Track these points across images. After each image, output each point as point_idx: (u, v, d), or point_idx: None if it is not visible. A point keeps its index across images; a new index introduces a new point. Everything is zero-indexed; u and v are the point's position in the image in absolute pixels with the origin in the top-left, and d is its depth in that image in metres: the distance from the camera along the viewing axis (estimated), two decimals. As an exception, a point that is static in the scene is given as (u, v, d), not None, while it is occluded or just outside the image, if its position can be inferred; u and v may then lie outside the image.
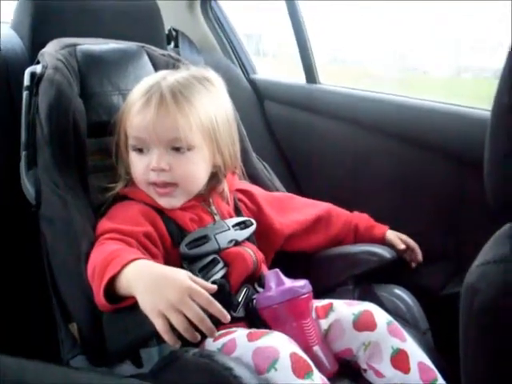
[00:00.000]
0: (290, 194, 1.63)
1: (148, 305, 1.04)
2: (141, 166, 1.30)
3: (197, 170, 1.32)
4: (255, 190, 1.53)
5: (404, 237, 1.54)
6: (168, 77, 1.33)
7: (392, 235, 1.52)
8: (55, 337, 1.33)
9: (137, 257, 1.11)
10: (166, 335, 1.01)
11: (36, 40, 1.58)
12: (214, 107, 1.34)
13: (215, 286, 1.06)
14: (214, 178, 1.38)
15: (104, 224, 1.27)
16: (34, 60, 1.48)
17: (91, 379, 0.44)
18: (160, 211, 1.31)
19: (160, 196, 1.30)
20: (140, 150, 1.30)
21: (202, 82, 1.35)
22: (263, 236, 1.43)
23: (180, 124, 1.26)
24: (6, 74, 1.60)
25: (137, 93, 1.33)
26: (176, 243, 1.28)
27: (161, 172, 1.28)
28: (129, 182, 1.37)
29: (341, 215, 1.56)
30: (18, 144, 1.41)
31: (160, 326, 1.01)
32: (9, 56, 1.61)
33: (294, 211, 1.53)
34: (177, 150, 1.28)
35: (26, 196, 1.38)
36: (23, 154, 1.39)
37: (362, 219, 1.56)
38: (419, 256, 1.53)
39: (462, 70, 3.26)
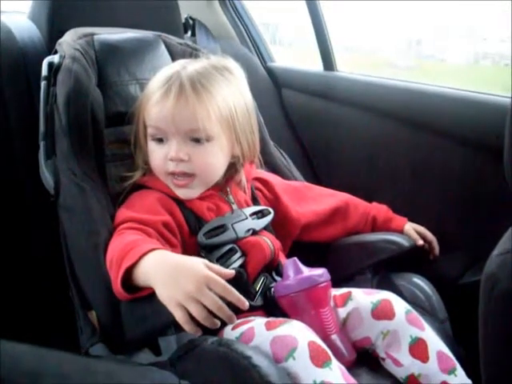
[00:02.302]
0: (308, 184, 1.62)
1: (166, 296, 1.04)
2: (159, 156, 1.30)
3: (215, 161, 1.32)
4: (272, 178, 1.52)
5: (422, 230, 1.53)
6: (188, 66, 1.33)
7: (410, 229, 1.51)
8: (74, 325, 1.34)
9: (154, 247, 1.12)
10: (187, 325, 1.01)
11: (53, 30, 1.58)
12: (233, 97, 1.33)
13: (232, 271, 1.06)
14: (232, 167, 1.38)
15: (122, 213, 1.27)
16: (51, 50, 1.49)
17: (109, 367, 0.44)
18: (178, 200, 1.31)
19: (178, 187, 1.31)
20: (159, 140, 1.30)
21: (222, 72, 1.34)
22: (280, 225, 1.43)
23: (199, 115, 1.26)
24: (23, 64, 1.61)
25: (156, 82, 1.32)
26: (194, 232, 1.28)
27: (180, 162, 1.28)
28: (147, 171, 1.38)
29: (359, 206, 1.55)
30: (36, 134, 1.42)
31: (179, 316, 1.02)
32: (26, 46, 1.62)
33: (311, 201, 1.53)
34: (195, 140, 1.28)
35: (44, 185, 1.39)
36: (42, 143, 1.40)
37: (380, 211, 1.55)
38: (436, 250, 1.52)
39: (480, 57, 3.23)
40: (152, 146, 1.32)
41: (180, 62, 1.38)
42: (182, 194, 1.31)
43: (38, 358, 0.39)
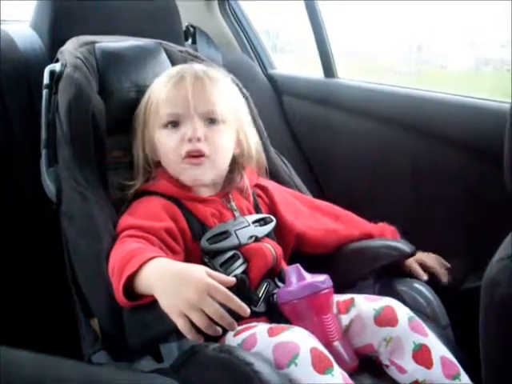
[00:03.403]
0: (309, 198, 1.61)
1: (168, 304, 1.04)
2: (174, 140, 1.33)
3: (227, 144, 1.37)
4: (271, 185, 1.52)
5: (430, 262, 1.47)
6: (194, 65, 1.43)
7: (413, 262, 1.45)
8: (77, 332, 1.34)
9: (155, 255, 1.12)
10: (189, 334, 1.01)
11: (55, 38, 1.59)
12: (238, 95, 1.45)
13: (233, 279, 1.06)
14: (233, 170, 1.41)
15: (125, 220, 1.28)
16: (53, 58, 1.49)
17: (111, 374, 0.45)
18: (182, 206, 1.31)
19: (189, 168, 1.32)
20: (174, 125, 1.33)
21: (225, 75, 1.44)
22: (276, 232, 1.43)
23: (215, 97, 1.34)
24: (25, 72, 1.62)
25: (164, 77, 1.39)
26: (197, 238, 1.28)
27: (196, 142, 1.31)
28: (149, 178, 1.38)
29: (358, 232, 1.52)
30: (38, 142, 1.42)
31: (181, 325, 1.02)
32: (28, 55, 1.63)
33: (309, 217, 1.52)
34: (211, 122, 1.33)
35: (46, 193, 1.39)
36: (43, 151, 1.41)
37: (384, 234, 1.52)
38: (444, 280, 1.46)
39: (481, 63, 3.22)
40: (165, 134, 1.34)
41: (186, 64, 1.47)
42: (193, 176, 1.33)
43: (39, 364, 0.39)
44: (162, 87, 1.36)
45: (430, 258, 1.49)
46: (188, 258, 1.23)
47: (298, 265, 1.23)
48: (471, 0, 2.42)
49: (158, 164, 1.39)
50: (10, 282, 1.60)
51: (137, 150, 1.40)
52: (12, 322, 1.50)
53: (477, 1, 2.42)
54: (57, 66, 1.43)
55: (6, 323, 1.44)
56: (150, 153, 1.39)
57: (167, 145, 1.34)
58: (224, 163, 1.38)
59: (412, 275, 1.44)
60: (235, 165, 1.42)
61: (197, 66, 1.41)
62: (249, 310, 1.03)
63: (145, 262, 1.10)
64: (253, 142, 1.44)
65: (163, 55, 1.58)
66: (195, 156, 1.32)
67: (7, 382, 0.37)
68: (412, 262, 1.46)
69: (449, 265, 1.49)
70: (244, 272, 1.26)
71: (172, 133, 1.33)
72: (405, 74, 3.32)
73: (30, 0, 1.79)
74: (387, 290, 1.38)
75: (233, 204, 1.39)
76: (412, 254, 1.43)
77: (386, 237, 1.51)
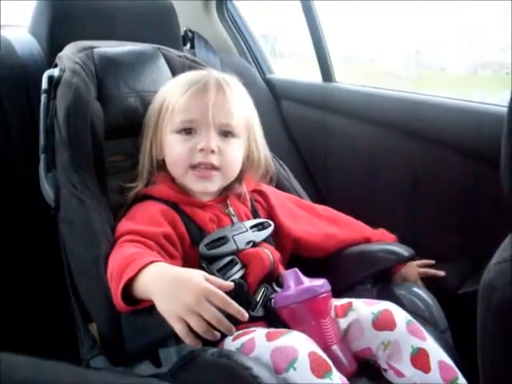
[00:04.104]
0: (307, 202, 1.61)
1: (165, 309, 1.04)
2: (185, 148, 1.32)
3: (238, 157, 1.38)
4: (269, 190, 1.53)
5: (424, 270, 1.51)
6: (213, 71, 1.41)
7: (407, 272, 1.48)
8: (75, 337, 1.34)
9: (154, 260, 1.12)
10: (187, 338, 1.02)
11: (53, 43, 1.59)
12: (251, 104, 1.43)
13: (231, 284, 1.06)
14: (236, 179, 1.41)
15: (124, 225, 1.28)
16: (51, 63, 1.50)
17: (108, 379, 0.44)
18: (180, 211, 1.32)
19: (199, 179, 1.32)
20: (188, 132, 1.32)
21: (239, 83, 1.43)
22: (274, 236, 1.43)
23: (234, 109, 1.33)
24: (24, 77, 1.62)
25: (183, 83, 1.37)
26: (195, 243, 1.28)
27: (209, 153, 1.30)
28: (149, 182, 1.38)
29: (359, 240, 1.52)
30: (36, 147, 1.43)
31: (179, 330, 1.02)
32: (27, 60, 1.63)
33: (307, 221, 1.52)
34: (225, 134, 1.33)
35: (45, 198, 1.39)
36: (42, 156, 1.41)
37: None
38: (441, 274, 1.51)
39: (480, 67, 3.23)
40: (177, 140, 1.34)
41: (203, 71, 1.46)
42: (201, 187, 1.34)
43: (35, 368, 0.39)
44: (180, 93, 1.34)
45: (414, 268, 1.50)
46: (186, 264, 1.24)
47: (296, 269, 1.23)
48: (471, 0, 2.42)
49: (161, 167, 1.39)
50: (9, 286, 1.60)
51: (144, 151, 1.40)
52: (10, 326, 1.49)
53: (476, 1, 2.42)
54: (55, 71, 1.43)
55: (5, 327, 1.43)
56: (156, 152, 1.38)
57: (178, 150, 1.33)
58: (233, 175, 1.39)
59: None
60: (239, 173, 1.41)
61: (217, 74, 1.38)
62: (247, 315, 1.03)
63: (143, 267, 1.10)
64: (263, 153, 1.44)
65: (162, 60, 1.58)
66: (206, 168, 1.32)
67: None
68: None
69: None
70: (242, 277, 1.26)
71: (185, 140, 1.33)
72: (405, 78, 3.33)
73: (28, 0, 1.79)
74: (386, 294, 1.38)
75: (231, 209, 1.39)
76: (410, 258, 1.44)
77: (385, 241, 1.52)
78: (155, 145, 1.38)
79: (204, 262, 1.26)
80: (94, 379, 0.43)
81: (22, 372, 0.38)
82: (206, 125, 1.31)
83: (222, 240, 1.30)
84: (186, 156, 1.32)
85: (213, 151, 1.30)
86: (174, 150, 1.34)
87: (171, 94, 1.37)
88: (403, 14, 2.88)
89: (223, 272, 1.25)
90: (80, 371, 0.42)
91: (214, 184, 1.34)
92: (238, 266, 1.28)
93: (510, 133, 0.82)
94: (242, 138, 1.37)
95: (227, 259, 1.28)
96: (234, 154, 1.35)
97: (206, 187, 1.34)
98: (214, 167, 1.32)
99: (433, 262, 1.53)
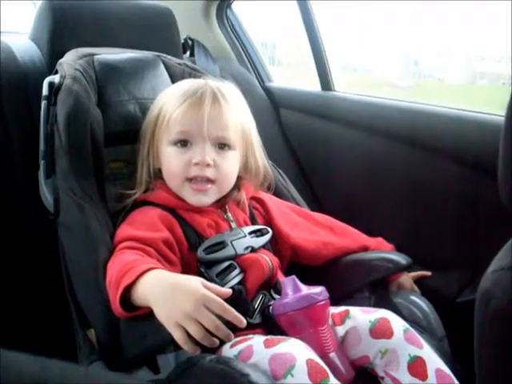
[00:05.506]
0: (306, 210, 1.62)
1: (164, 316, 1.05)
2: (181, 161, 1.32)
3: (234, 169, 1.38)
4: (267, 197, 1.53)
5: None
6: (210, 82, 1.39)
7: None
8: (73, 343, 1.34)
9: (152, 266, 1.12)
10: (185, 345, 1.02)
11: (54, 50, 1.59)
12: (248, 113, 1.42)
13: (229, 290, 1.07)
14: (234, 187, 1.41)
15: (123, 231, 1.28)
16: (52, 70, 1.50)
17: (111, 380, 0.45)
18: (178, 217, 1.32)
19: (194, 192, 1.32)
20: (183, 144, 1.33)
21: (238, 93, 1.43)
22: (272, 243, 1.44)
23: (230, 122, 1.33)
24: (24, 83, 1.62)
25: (179, 94, 1.36)
26: (193, 248, 1.29)
27: (205, 167, 1.31)
28: (147, 189, 1.39)
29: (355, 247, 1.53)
30: (36, 153, 1.43)
31: (178, 336, 1.02)
32: (27, 66, 1.63)
33: (305, 229, 1.53)
34: (221, 147, 1.33)
35: (44, 204, 1.40)
36: (42, 162, 1.41)
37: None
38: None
39: (477, 77, 3.25)
40: (172, 152, 1.34)
41: (200, 80, 1.43)
42: (196, 200, 1.33)
43: (41, 367, 0.40)
44: (176, 104, 1.34)
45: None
46: (184, 268, 1.24)
47: (294, 276, 1.23)
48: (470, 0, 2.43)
49: (158, 175, 1.40)
50: (8, 291, 1.60)
51: (141, 158, 1.40)
52: (9, 331, 1.49)
53: (475, 1, 2.43)
54: (56, 78, 1.43)
55: (3, 332, 1.43)
56: (153, 161, 1.38)
57: (174, 163, 1.34)
58: (228, 188, 1.39)
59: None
60: (237, 182, 1.42)
61: (213, 84, 1.37)
62: (245, 321, 1.04)
63: (142, 274, 1.10)
64: (261, 162, 1.45)
65: (161, 68, 1.59)
66: (201, 181, 1.32)
67: None
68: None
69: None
70: (240, 282, 1.27)
71: (180, 152, 1.33)
72: (403, 88, 3.34)
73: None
74: (383, 302, 1.39)
75: (229, 215, 1.39)
76: (408, 267, 1.44)
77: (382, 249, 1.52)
78: (152, 154, 1.38)
79: (202, 267, 1.27)
80: (98, 380, 0.43)
81: (30, 371, 0.39)
82: (201, 137, 1.32)
83: (221, 245, 1.30)
84: (182, 169, 1.32)
85: (208, 165, 1.31)
86: (171, 162, 1.34)
87: (168, 103, 1.37)
88: (401, 24, 2.90)
89: (222, 277, 1.25)
90: (85, 371, 0.42)
91: (209, 197, 1.35)
92: (236, 271, 1.28)
93: (505, 141, 0.83)
94: (238, 149, 1.37)
95: (225, 264, 1.28)
96: (229, 167, 1.36)
97: (201, 200, 1.34)
98: (209, 180, 1.32)
99: (429, 273, 1.54)
